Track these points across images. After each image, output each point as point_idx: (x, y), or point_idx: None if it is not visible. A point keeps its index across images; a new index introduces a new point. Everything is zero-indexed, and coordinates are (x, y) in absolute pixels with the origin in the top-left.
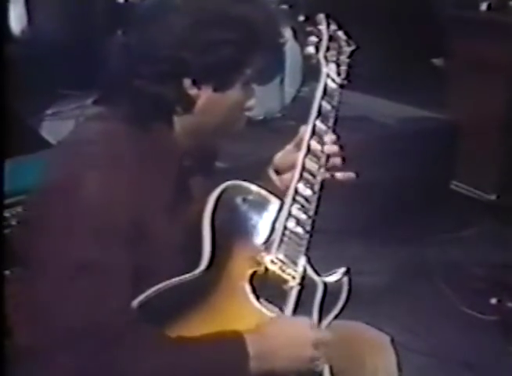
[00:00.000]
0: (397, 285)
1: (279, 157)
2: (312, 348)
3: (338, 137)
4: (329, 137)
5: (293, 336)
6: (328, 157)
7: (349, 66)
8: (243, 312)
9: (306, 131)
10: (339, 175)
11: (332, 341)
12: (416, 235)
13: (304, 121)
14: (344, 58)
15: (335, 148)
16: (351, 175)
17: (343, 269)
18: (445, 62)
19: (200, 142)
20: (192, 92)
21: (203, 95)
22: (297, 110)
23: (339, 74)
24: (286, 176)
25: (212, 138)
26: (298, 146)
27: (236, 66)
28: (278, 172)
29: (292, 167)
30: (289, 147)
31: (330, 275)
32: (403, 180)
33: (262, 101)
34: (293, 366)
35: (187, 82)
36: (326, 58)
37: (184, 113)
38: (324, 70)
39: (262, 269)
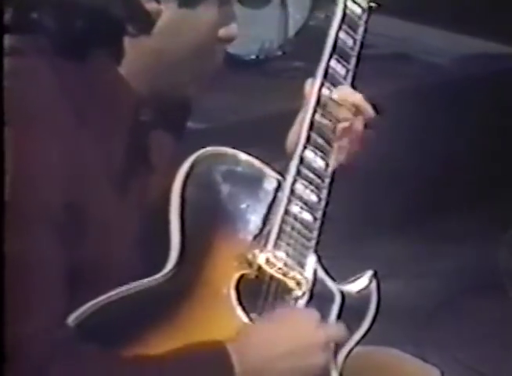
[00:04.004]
0: (450, 299)
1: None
2: (322, 352)
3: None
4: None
5: (295, 338)
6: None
7: None
8: (226, 333)
9: (316, 77)
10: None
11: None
12: (480, 229)
13: (315, 61)
14: None
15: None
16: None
17: (369, 273)
18: None
19: (163, 82)
20: (151, 6)
21: (166, 12)
22: (306, 46)
23: None
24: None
25: (179, 76)
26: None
27: None
28: None
29: None
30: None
31: (352, 281)
32: (460, 149)
33: (255, 32)
34: None
35: None
36: None
37: (138, 34)
38: None
39: (254, 271)
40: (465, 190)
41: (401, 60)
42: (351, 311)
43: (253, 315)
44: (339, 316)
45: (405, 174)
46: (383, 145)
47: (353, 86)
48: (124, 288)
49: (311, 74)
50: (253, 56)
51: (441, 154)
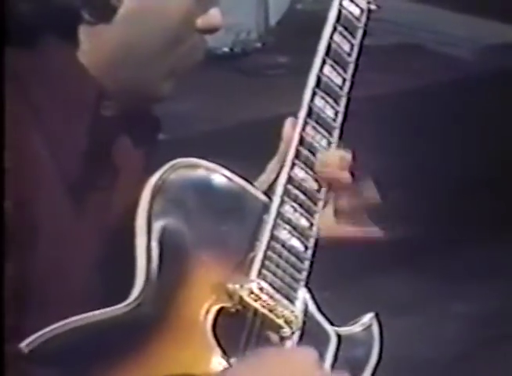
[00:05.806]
0: (471, 349)
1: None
2: None
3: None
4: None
5: None
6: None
7: None
8: (201, 373)
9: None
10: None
11: None
12: (506, 265)
13: (303, 56)
14: None
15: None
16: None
17: (370, 316)
18: None
19: (131, 76)
20: None
21: None
22: (291, 36)
23: None
24: None
25: (150, 71)
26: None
27: None
28: None
29: None
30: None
31: (350, 324)
32: (484, 163)
33: (228, 19)
34: None
35: None
36: None
37: (96, 22)
38: None
39: (235, 304)
40: (490, 217)
41: (409, 52)
42: (347, 359)
43: (233, 359)
44: (333, 364)
45: (417, 195)
46: (387, 155)
47: (349, 90)
48: (84, 316)
49: (298, 71)
50: (226, 49)
51: (458, 171)
